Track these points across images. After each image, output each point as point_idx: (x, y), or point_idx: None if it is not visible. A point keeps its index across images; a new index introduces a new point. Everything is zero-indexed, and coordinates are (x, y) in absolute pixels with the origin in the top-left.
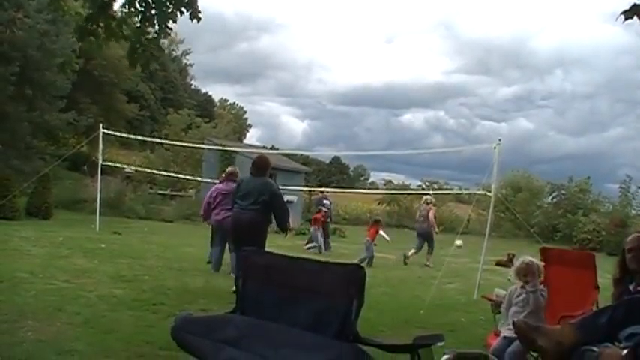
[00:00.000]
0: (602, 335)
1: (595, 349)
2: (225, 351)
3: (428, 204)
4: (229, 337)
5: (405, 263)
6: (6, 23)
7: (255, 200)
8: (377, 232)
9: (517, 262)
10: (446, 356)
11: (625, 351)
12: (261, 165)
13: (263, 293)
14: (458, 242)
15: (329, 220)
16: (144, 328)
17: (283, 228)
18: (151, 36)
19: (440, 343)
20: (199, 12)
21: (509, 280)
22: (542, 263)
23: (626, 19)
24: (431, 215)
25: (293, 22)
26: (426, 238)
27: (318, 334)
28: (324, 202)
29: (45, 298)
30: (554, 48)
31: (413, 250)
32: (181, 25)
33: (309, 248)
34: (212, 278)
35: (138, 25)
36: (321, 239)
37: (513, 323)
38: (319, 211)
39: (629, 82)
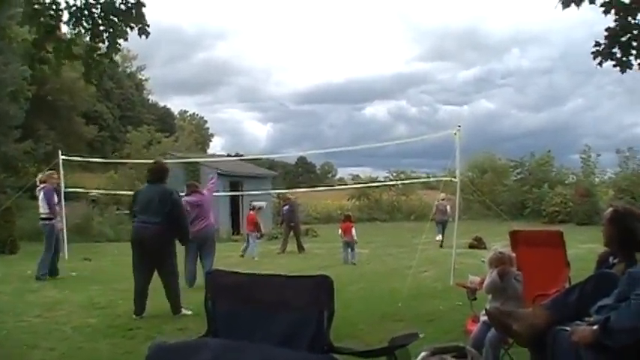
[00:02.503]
0: (574, 312)
1: (567, 328)
2: None
3: (443, 199)
4: None
5: (441, 247)
6: None
7: (155, 212)
8: (352, 227)
9: (490, 253)
10: (423, 353)
11: (595, 327)
12: (157, 170)
13: (233, 313)
14: (438, 237)
15: (292, 224)
16: (121, 356)
17: (184, 241)
18: (102, 52)
19: (421, 336)
20: (147, 26)
21: (482, 261)
22: (513, 255)
23: (564, 7)
24: (449, 208)
25: (249, 27)
26: (444, 225)
27: (292, 349)
28: (284, 208)
29: (17, 336)
30: (509, 27)
31: (440, 237)
32: (137, 39)
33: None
34: (187, 295)
35: (88, 43)
36: (252, 242)
37: (486, 311)
38: (253, 208)
39: (584, 53)
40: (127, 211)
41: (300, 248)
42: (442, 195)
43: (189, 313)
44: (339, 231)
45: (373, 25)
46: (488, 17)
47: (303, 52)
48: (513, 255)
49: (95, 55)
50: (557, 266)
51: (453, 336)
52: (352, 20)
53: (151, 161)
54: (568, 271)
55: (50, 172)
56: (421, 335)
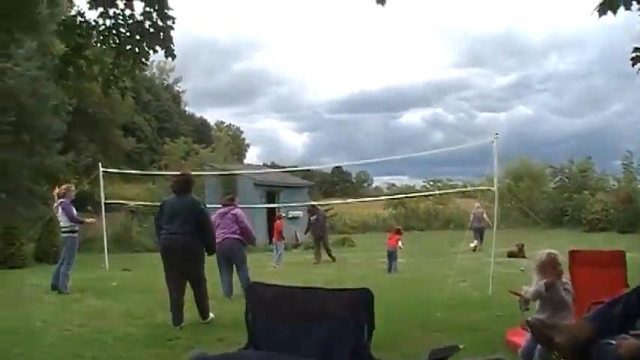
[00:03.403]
0: (618, 325)
1: (613, 342)
2: None
3: (478, 208)
4: None
5: (474, 250)
6: None
7: (183, 221)
8: (398, 240)
9: (537, 257)
10: None
11: None
12: (184, 182)
13: (274, 326)
14: (472, 245)
15: (320, 234)
16: None
17: (211, 251)
18: (124, 69)
19: (461, 347)
20: (174, 50)
21: (522, 270)
22: (568, 259)
23: (600, 15)
24: (485, 216)
25: (284, 37)
26: (481, 232)
27: None
28: (311, 218)
29: (62, 345)
30: (547, 31)
31: (477, 242)
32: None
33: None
34: (226, 304)
35: (111, 60)
36: (278, 251)
37: (528, 322)
38: (279, 217)
39: (622, 56)
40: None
41: (331, 257)
42: (477, 204)
43: (213, 316)
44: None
45: (409, 33)
46: (526, 22)
47: (338, 61)
48: (561, 257)
49: (116, 72)
50: (615, 286)
51: (493, 347)
52: (387, 28)
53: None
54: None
55: (67, 185)
56: (461, 347)
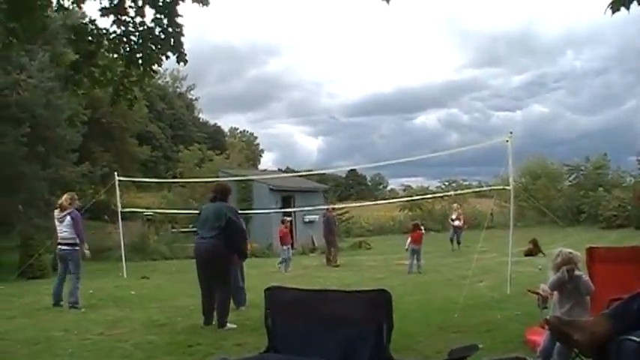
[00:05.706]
0: (636, 321)
1: (635, 338)
2: None
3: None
4: None
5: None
6: (11, 86)
7: (211, 226)
8: (421, 236)
9: (555, 257)
10: None
11: None
12: (219, 190)
13: (293, 329)
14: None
15: (329, 238)
16: None
17: (238, 255)
18: (134, 78)
19: (480, 347)
20: (185, 55)
21: (540, 269)
22: (580, 255)
23: (613, 12)
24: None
25: (300, 41)
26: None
27: None
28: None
29: (82, 354)
30: (562, 29)
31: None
32: (189, 57)
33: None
34: (243, 311)
35: (122, 69)
36: (285, 256)
37: (546, 320)
38: (283, 222)
39: (638, 52)
40: (182, 229)
41: (329, 260)
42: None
43: (234, 327)
44: (408, 240)
45: (423, 34)
46: (541, 20)
47: (353, 64)
48: (579, 254)
49: (126, 82)
50: (633, 282)
51: (512, 346)
52: (402, 29)
53: (204, 180)
54: None
55: (70, 194)
56: (480, 346)
